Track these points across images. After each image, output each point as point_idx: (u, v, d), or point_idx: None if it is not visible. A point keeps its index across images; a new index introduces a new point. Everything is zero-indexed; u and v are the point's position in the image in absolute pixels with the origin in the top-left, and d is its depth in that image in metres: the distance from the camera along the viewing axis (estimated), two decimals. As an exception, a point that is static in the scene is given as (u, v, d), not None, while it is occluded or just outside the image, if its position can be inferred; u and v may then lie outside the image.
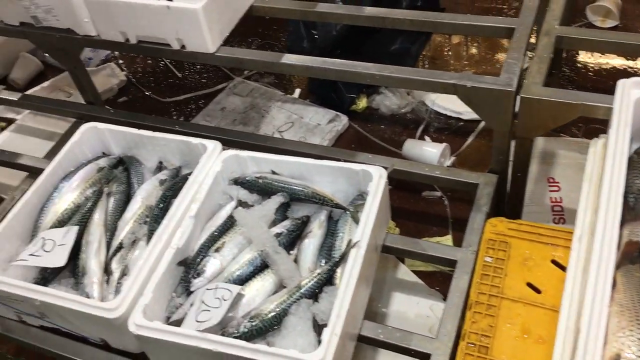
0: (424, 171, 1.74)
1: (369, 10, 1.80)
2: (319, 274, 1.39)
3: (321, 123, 2.38)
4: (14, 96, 2.35)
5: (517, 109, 1.53)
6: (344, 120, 2.38)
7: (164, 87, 2.85)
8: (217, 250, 1.49)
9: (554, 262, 1.42)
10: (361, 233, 1.41)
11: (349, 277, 1.33)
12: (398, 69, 1.60)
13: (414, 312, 1.74)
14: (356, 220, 1.52)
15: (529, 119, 1.52)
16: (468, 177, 1.72)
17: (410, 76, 1.57)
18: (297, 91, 2.62)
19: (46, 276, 1.53)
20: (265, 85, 2.66)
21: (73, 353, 1.51)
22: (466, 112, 2.30)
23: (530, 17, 1.70)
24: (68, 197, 1.68)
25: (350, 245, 1.39)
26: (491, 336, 1.36)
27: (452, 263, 1.54)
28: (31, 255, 1.51)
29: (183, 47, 1.78)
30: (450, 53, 2.59)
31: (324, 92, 2.45)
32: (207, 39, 1.73)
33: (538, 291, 1.38)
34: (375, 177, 1.52)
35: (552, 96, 1.46)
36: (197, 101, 2.71)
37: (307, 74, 1.69)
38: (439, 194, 2.06)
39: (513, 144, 1.63)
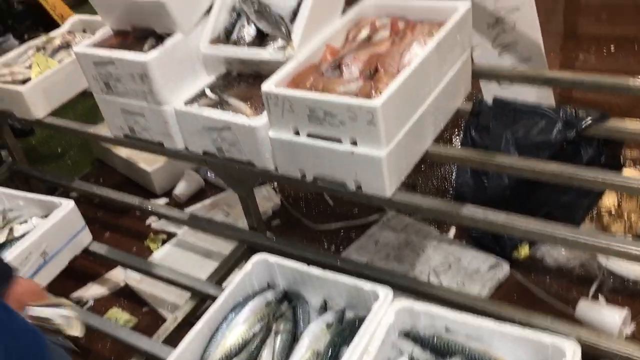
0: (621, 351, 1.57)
1: (554, 167, 1.72)
2: None
3: (481, 269, 2.27)
4: (184, 215, 2.51)
5: None
6: (505, 267, 2.26)
7: (316, 214, 2.89)
8: (389, 414, 1.40)
9: None
10: (556, 420, 1.27)
11: None
12: (601, 234, 1.51)
13: None
14: (544, 400, 1.37)
15: None
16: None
17: (605, 244, 1.46)
18: (453, 230, 2.56)
19: (212, 414, 1.51)
20: (419, 220, 2.62)
21: None
22: (646, 275, 2.10)
23: None
24: (237, 331, 1.69)
25: None
26: None
27: None
28: (201, 391, 1.51)
29: (359, 188, 1.80)
30: (622, 205, 2.44)
31: (483, 235, 2.37)
32: (386, 184, 1.74)
33: None
34: (568, 355, 1.38)
35: None
36: (348, 231, 2.72)
37: (488, 228, 1.62)
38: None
39: None
